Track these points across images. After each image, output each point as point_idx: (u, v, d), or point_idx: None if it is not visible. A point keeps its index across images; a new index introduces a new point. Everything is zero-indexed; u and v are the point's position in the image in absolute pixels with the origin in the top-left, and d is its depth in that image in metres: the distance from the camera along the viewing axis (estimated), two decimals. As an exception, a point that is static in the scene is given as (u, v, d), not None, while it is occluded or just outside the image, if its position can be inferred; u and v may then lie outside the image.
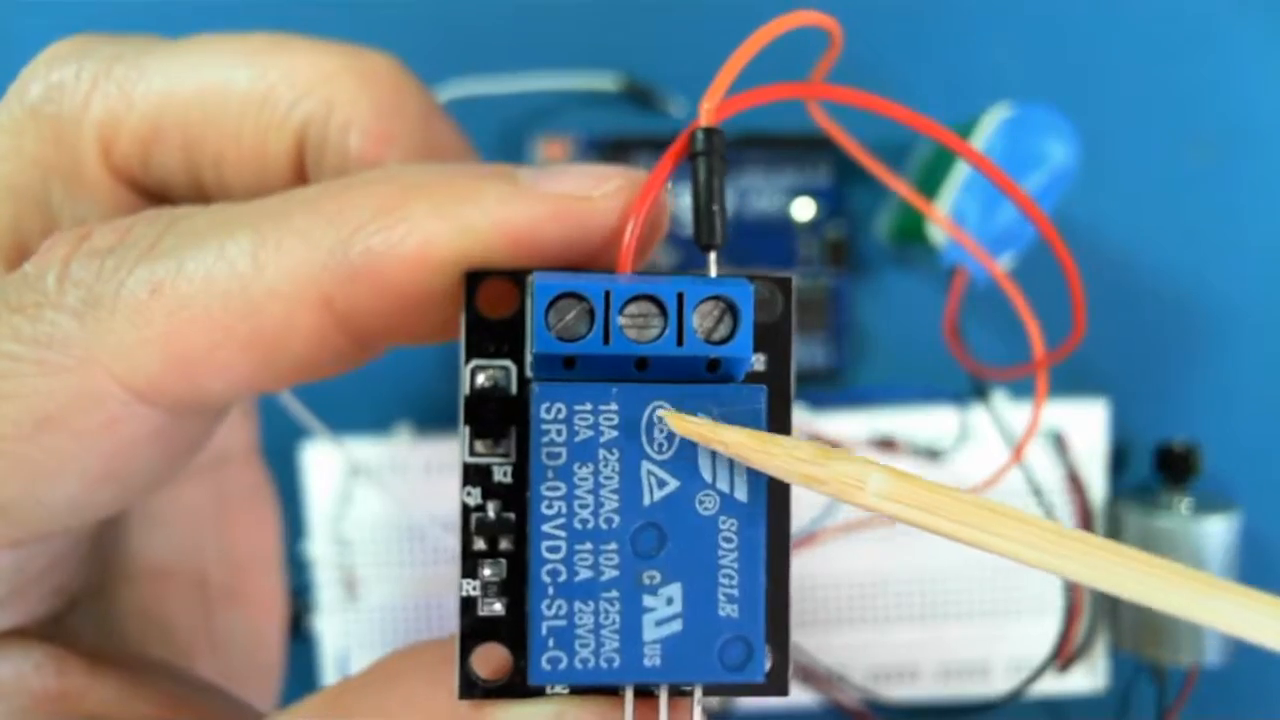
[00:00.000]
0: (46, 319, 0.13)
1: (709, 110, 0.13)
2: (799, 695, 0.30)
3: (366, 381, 0.30)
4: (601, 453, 0.12)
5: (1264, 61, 0.31)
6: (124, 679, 0.16)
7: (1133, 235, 0.32)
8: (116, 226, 0.14)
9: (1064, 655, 0.30)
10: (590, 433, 0.12)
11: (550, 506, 0.12)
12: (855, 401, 0.31)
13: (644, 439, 0.12)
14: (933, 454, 0.30)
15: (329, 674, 0.30)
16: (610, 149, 0.31)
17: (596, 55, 0.30)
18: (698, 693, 0.12)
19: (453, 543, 0.29)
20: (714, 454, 0.12)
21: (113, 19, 0.30)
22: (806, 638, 0.30)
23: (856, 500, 0.11)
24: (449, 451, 0.29)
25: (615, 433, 0.12)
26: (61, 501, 0.14)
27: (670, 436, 0.12)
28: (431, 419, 0.30)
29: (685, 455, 0.12)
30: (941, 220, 0.27)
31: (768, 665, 0.12)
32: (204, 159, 0.16)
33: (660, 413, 0.12)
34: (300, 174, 0.16)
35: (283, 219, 0.13)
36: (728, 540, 0.12)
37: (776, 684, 0.13)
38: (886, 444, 0.30)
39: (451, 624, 0.30)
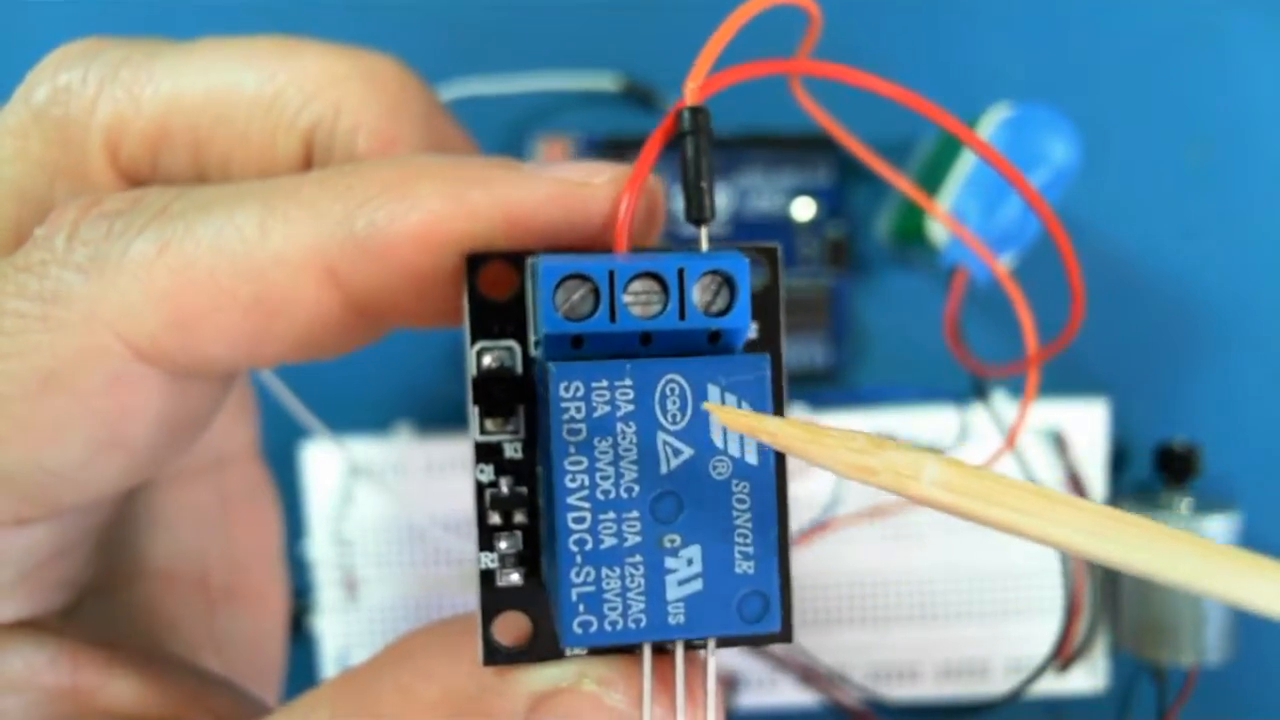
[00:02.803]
0: (53, 275, 0.13)
1: (693, 89, 0.13)
2: (799, 695, 0.30)
3: (366, 381, 0.31)
4: (619, 426, 0.12)
5: (1264, 60, 0.31)
6: (137, 674, 0.16)
7: (1133, 235, 0.32)
8: (127, 195, 0.14)
9: (1064, 655, 0.30)
10: (607, 408, 0.12)
11: (574, 480, 0.12)
12: (855, 401, 0.31)
13: (658, 411, 0.12)
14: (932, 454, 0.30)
15: (329, 674, 0.30)
16: (610, 149, 0.31)
17: (596, 55, 0.30)
18: (711, 644, 0.13)
19: (453, 543, 0.29)
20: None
21: (116, 21, 0.30)
22: (807, 638, 0.30)
23: (911, 492, 0.11)
24: (449, 451, 0.29)
25: (631, 407, 0.12)
26: (64, 467, 0.14)
27: (683, 408, 0.12)
28: (431, 419, 0.30)
29: (698, 424, 0.12)
30: (942, 215, 0.27)
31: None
32: (211, 161, 0.16)
33: (707, 406, 0.12)
34: None
35: (292, 193, 0.13)
36: (741, 502, 0.12)
37: (784, 633, 0.13)
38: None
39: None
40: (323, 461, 0.29)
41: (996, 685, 0.30)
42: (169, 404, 0.14)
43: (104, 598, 0.18)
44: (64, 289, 0.13)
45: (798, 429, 0.12)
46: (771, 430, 0.12)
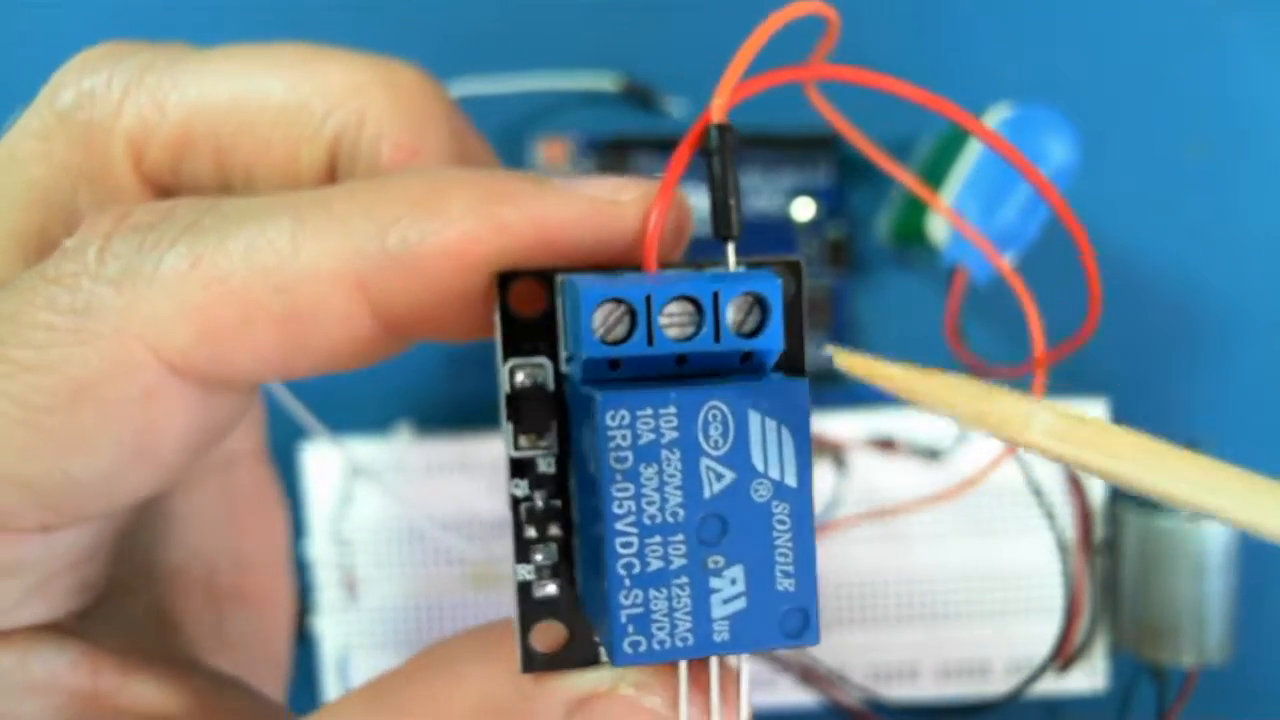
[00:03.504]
0: (84, 288, 0.13)
1: (719, 106, 0.13)
2: (799, 695, 0.30)
3: (366, 381, 0.30)
4: (663, 453, 0.12)
5: (1264, 60, 0.31)
6: (154, 677, 0.16)
7: (1133, 235, 0.32)
8: (158, 207, 0.14)
9: (1064, 655, 0.30)
10: (652, 435, 0.12)
11: (621, 506, 0.12)
12: (855, 401, 0.31)
13: (701, 437, 0.12)
14: (933, 454, 0.30)
15: (329, 674, 0.30)
16: (610, 149, 0.31)
17: (596, 55, 0.30)
18: (743, 657, 0.13)
19: (453, 543, 0.29)
20: (765, 445, 0.12)
21: (112, 23, 0.30)
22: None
23: (1022, 440, 0.11)
24: (449, 451, 0.29)
25: (675, 434, 0.12)
26: (92, 478, 0.14)
27: (725, 433, 0.12)
28: (431, 419, 0.30)
29: (739, 449, 0.12)
30: (945, 210, 0.27)
31: None
32: (235, 168, 0.16)
33: (829, 349, 0.13)
34: (331, 184, 0.16)
35: (322, 206, 0.13)
36: (781, 523, 0.13)
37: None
38: (886, 444, 0.30)
39: (451, 624, 0.30)
40: (323, 461, 0.29)
41: (996, 685, 0.30)
42: (196, 415, 0.14)
43: (116, 599, 0.18)
44: (96, 302, 0.13)
45: (914, 376, 0.12)
46: (890, 375, 0.12)
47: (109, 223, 0.14)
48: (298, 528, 0.29)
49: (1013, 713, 0.30)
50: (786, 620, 0.13)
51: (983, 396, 0.11)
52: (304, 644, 0.29)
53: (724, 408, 0.12)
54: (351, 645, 0.30)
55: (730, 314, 0.13)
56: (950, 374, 0.12)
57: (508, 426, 0.13)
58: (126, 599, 0.18)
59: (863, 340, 0.32)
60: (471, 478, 0.29)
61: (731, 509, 0.12)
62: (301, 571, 0.29)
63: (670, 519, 0.12)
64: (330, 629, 0.30)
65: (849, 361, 0.13)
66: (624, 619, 0.12)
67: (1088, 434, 0.11)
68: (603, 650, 0.14)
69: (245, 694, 0.18)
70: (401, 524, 0.29)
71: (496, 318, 0.13)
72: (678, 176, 0.13)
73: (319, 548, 0.29)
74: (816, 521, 0.29)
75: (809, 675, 0.30)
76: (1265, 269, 0.32)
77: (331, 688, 0.30)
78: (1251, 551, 0.30)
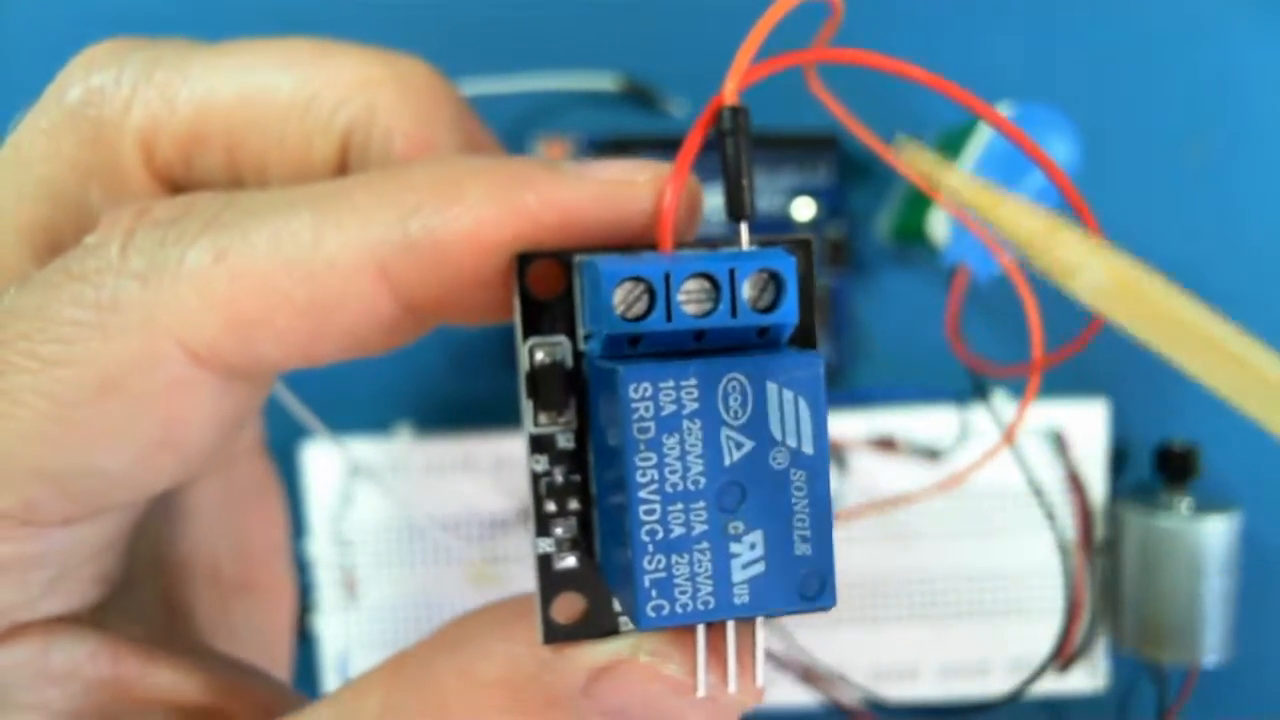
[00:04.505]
0: (109, 284, 0.13)
1: (731, 90, 0.13)
2: (799, 695, 0.30)
3: (366, 381, 0.31)
4: (685, 423, 0.13)
5: (1264, 59, 0.31)
6: (175, 665, 0.16)
7: (1133, 234, 0.32)
8: (177, 202, 0.14)
9: (1064, 655, 0.30)
10: (674, 406, 0.13)
11: (644, 475, 0.13)
12: (855, 401, 0.31)
13: (721, 408, 0.13)
14: (933, 454, 0.30)
15: (329, 674, 0.30)
16: (610, 149, 0.31)
17: (596, 55, 0.30)
18: (760, 625, 0.14)
19: (453, 543, 0.29)
20: (782, 415, 0.13)
21: (117, 19, 0.30)
22: (807, 637, 0.30)
23: (1067, 286, 0.10)
24: (449, 451, 0.29)
25: (696, 405, 0.13)
26: (118, 470, 0.14)
27: (744, 404, 0.13)
28: (431, 419, 0.30)
29: (758, 419, 0.13)
30: (951, 199, 0.27)
31: None
32: (246, 163, 0.16)
33: (898, 139, 0.13)
34: (344, 176, 0.17)
35: (342, 197, 0.14)
36: (799, 489, 0.13)
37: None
38: (886, 444, 0.30)
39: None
40: (323, 461, 0.29)
41: (996, 685, 0.30)
42: (220, 404, 0.15)
43: (129, 591, 0.18)
44: (121, 296, 0.13)
45: (981, 192, 0.11)
46: (955, 184, 0.11)
47: (130, 218, 0.14)
48: (298, 527, 0.29)
49: (1013, 713, 0.30)
50: (804, 583, 0.13)
51: (1042, 231, 0.11)
52: (304, 643, 0.29)
53: (743, 379, 0.13)
54: (351, 645, 0.30)
55: (746, 290, 0.13)
56: (1020, 203, 0.11)
57: (527, 404, 0.14)
58: (137, 591, 0.18)
59: (863, 340, 0.32)
60: (472, 477, 0.29)
61: (751, 477, 0.13)
62: (302, 571, 0.29)
63: (692, 486, 0.13)
64: (330, 629, 0.30)
65: (916, 159, 0.12)
66: (648, 583, 0.13)
67: (1134, 304, 0.10)
68: (621, 620, 0.14)
69: (263, 679, 0.18)
70: (401, 524, 0.29)
71: (516, 299, 0.14)
72: (691, 156, 0.14)
73: (319, 547, 0.29)
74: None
75: (809, 675, 0.30)
76: (1265, 269, 0.32)
77: (331, 687, 0.30)
78: (1251, 551, 0.30)
